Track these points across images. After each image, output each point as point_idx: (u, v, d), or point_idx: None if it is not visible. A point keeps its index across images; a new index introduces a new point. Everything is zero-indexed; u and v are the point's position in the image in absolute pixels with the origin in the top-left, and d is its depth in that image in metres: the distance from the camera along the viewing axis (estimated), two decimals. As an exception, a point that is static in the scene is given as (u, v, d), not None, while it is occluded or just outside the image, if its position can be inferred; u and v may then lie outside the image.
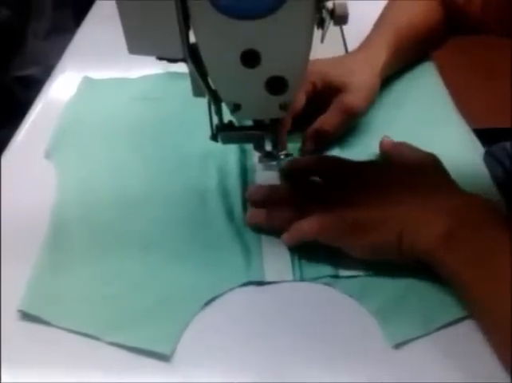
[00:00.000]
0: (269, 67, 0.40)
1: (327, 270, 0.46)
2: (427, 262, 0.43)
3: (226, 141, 0.50)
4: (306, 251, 0.47)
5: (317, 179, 0.52)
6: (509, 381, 0.38)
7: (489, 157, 0.63)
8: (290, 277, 0.46)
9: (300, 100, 0.56)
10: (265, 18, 0.37)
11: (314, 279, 0.46)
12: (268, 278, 0.46)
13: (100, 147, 0.59)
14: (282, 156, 0.53)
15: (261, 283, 0.46)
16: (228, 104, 0.44)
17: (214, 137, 0.49)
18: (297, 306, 0.44)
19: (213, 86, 0.44)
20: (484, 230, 0.42)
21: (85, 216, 0.51)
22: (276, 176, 0.54)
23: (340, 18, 0.41)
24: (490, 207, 0.44)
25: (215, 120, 0.48)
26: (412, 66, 0.68)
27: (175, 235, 0.49)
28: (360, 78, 0.57)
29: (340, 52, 0.71)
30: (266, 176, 0.54)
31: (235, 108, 0.44)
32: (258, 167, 0.55)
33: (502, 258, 0.40)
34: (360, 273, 0.46)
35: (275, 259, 0.47)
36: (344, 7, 0.41)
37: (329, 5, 0.41)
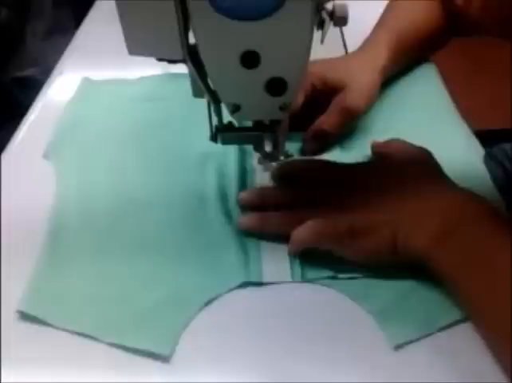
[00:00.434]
0: (268, 68, 0.40)
1: (326, 271, 0.46)
2: (421, 264, 0.43)
3: (225, 142, 0.50)
4: (305, 252, 0.47)
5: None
6: (508, 382, 0.38)
7: (489, 159, 0.63)
8: (289, 278, 0.46)
9: (299, 100, 0.56)
10: (265, 19, 0.37)
11: (313, 280, 0.46)
12: (266, 279, 0.46)
13: (99, 148, 0.59)
14: (282, 157, 0.53)
15: (259, 284, 0.46)
16: (228, 105, 0.44)
17: (213, 138, 0.49)
18: (296, 306, 0.44)
19: (212, 87, 0.44)
20: (477, 228, 0.42)
21: (84, 217, 0.51)
22: None
23: (341, 19, 0.40)
24: (483, 202, 0.44)
25: (215, 120, 0.48)
26: (413, 67, 0.68)
27: (174, 236, 0.49)
28: (360, 78, 0.57)
29: (340, 53, 0.71)
30: (266, 177, 0.54)
31: (235, 109, 0.44)
32: (258, 168, 0.55)
33: (497, 256, 0.40)
34: (360, 274, 0.46)
35: (274, 260, 0.47)
36: (344, 8, 0.40)
37: (329, 6, 0.41)
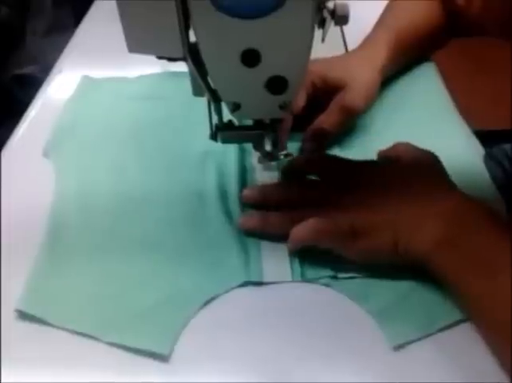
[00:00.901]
0: (269, 67, 0.40)
1: (326, 270, 0.46)
2: (422, 266, 0.43)
3: (225, 141, 0.50)
4: (305, 252, 0.47)
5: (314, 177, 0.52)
6: (508, 382, 0.38)
7: (489, 159, 0.63)
8: (289, 277, 0.46)
9: (300, 99, 0.56)
10: (265, 18, 0.37)
11: (313, 280, 0.46)
12: (267, 279, 0.46)
13: (99, 146, 0.59)
14: (282, 156, 0.53)
15: (259, 284, 0.45)
16: (228, 104, 0.44)
17: (213, 137, 0.49)
18: (296, 306, 0.44)
19: (213, 85, 0.44)
20: (479, 234, 0.42)
21: (84, 215, 0.51)
22: (275, 176, 0.54)
23: (341, 18, 0.40)
24: (486, 209, 0.44)
25: (215, 119, 0.48)
26: (413, 67, 0.68)
27: (174, 235, 0.49)
28: (360, 77, 0.57)
29: (341, 52, 0.71)
30: (266, 176, 0.54)
31: (235, 108, 0.44)
32: (258, 167, 0.55)
33: (498, 262, 0.40)
34: (360, 274, 0.45)
35: (274, 260, 0.47)
36: (345, 7, 0.40)
37: (330, 5, 0.41)
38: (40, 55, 1.05)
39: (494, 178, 0.54)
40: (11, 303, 0.43)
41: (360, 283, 0.45)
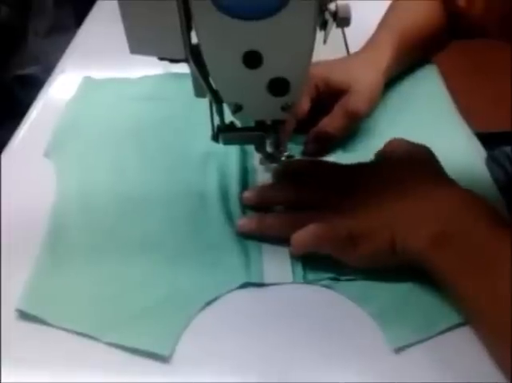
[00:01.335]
0: (271, 68, 0.40)
1: (327, 272, 0.46)
2: (420, 266, 0.43)
3: (227, 142, 0.50)
4: (306, 254, 0.46)
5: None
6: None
7: (491, 161, 0.63)
8: (290, 279, 0.46)
9: (305, 103, 0.56)
10: (267, 19, 0.37)
11: (314, 281, 0.46)
12: (267, 280, 0.46)
13: (100, 147, 0.59)
14: (283, 158, 0.53)
15: (260, 285, 0.45)
16: (229, 105, 0.44)
17: (215, 138, 0.49)
18: (296, 308, 0.44)
19: (214, 87, 0.44)
20: (476, 230, 0.42)
21: (84, 216, 0.51)
22: None
23: (343, 20, 0.40)
24: (483, 202, 0.43)
25: (216, 120, 0.48)
26: (415, 70, 0.68)
27: (175, 236, 0.49)
28: (364, 80, 0.57)
29: (342, 53, 0.71)
30: (267, 178, 0.54)
31: (237, 109, 0.44)
32: (259, 168, 0.55)
33: (496, 258, 0.40)
34: (361, 276, 0.45)
35: (275, 261, 0.47)
36: (347, 9, 0.40)
37: (332, 6, 0.41)
38: (41, 55, 1.05)
39: (495, 180, 0.54)
40: (11, 303, 0.43)
41: (362, 285, 0.45)
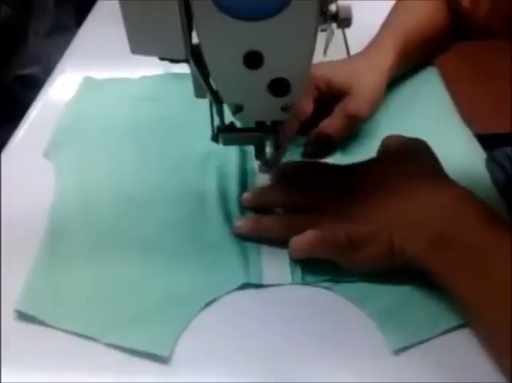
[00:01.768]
0: (272, 69, 0.40)
1: (326, 273, 0.46)
2: (419, 268, 0.43)
3: (226, 142, 0.50)
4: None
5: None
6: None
7: (491, 162, 0.63)
8: (289, 280, 0.46)
9: (308, 105, 0.56)
10: (268, 20, 0.37)
11: (314, 283, 0.46)
12: (266, 281, 0.45)
13: (99, 147, 0.59)
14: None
15: (259, 286, 0.45)
16: (230, 106, 0.44)
17: (215, 138, 0.49)
18: (295, 309, 0.44)
19: (215, 87, 0.43)
20: (475, 231, 0.42)
21: (84, 216, 0.51)
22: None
23: (344, 21, 0.41)
24: (481, 203, 0.43)
25: (217, 121, 0.48)
26: (416, 72, 0.68)
27: (174, 237, 0.49)
28: (366, 81, 0.57)
29: (343, 54, 0.71)
30: (266, 179, 0.54)
31: (237, 110, 0.44)
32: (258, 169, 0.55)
33: (495, 259, 0.40)
34: (360, 277, 0.45)
35: (274, 262, 0.47)
36: (348, 10, 0.40)
37: (333, 7, 0.41)
38: (42, 56, 1.05)
39: (495, 181, 0.54)
40: (11, 303, 0.43)
41: (361, 286, 0.45)
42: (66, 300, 0.44)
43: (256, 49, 0.39)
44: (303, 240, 0.45)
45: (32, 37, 1.09)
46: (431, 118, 0.62)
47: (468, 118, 0.62)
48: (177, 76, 0.66)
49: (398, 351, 0.41)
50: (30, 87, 0.82)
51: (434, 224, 0.43)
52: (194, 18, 0.38)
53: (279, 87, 0.41)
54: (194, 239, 0.49)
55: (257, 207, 0.51)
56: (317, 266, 0.46)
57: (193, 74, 0.44)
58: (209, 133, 0.49)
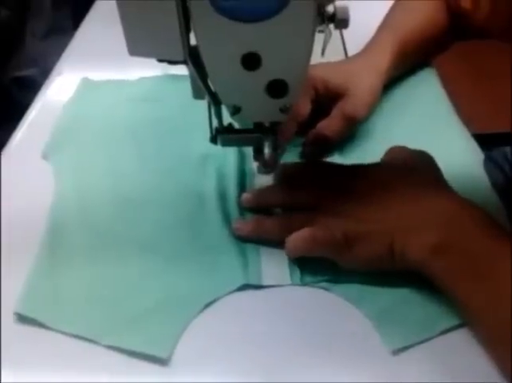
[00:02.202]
0: (269, 70, 0.40)
1: (325, 274, 0.46)
2: (419, 272, 0.43)
3: (225, 144, 0.50)
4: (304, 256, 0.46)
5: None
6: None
7: (489, 162, 0.63)
8: (288, 281, 0.46)
9: (305, 106, 0.56)
10: (266, 21, 0.37)
11: (312, 283, 0.46)
12: (266, 282, 0.46)
13: (98, 148, 0.59)
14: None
15: (258, 287, 0.45)
16: (228, 107, 0.44)
17: (213, 140, 0.49)
18: (294, 309, 0.44)
19: (213, 88, 0.44)
20: (475, 238, 0.42)
21: (82, 218, 0.51)
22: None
23: (342, 22, 0.40)
24: (481, 211, 0.43)
25: (215, 122, 0.48)
26: (413, 72, 0.68)
27: (173, 238, 0.49)
28: (363, 83, 0.57)
29: (340, 55, 0.71)
30: (265, 180, 0.54)
31: (235, 111, 0.44)
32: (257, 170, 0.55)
33: (495, 266, 0.40)
34: (359, 278, 0.45)
35: (273, 263, 0.47)
36: (346, 10, 0.41)
37: (330, 8, 0.41)
38: (39, 57, 1.05)
39: (493, 181, 0.54)
40: (11, 304, 0.43)
41: (359, 287, 0.45)
42: (65, 302, 0.44)
43: (254, 51, 0.39)
44: (299, 238, 0.45)
45: (29, 39, 1.08)
46: (428, 118, 0.62)
47: (467, 118, 0.62)
48: (175, 77, 0.66)
49: (396, 351, 0.41)
50: (28, 88, 0.82)
51: (435, 231, 0.42)
52: (192, 20, 0.38)
53: (277, 88, 0.41)
54: (194, 240, 0.49)
55: (257, 207, 0.51)
56: (315, 267, 0.46)
57: (191, 75, 0.44)
58: (207, 134, 0.49)
